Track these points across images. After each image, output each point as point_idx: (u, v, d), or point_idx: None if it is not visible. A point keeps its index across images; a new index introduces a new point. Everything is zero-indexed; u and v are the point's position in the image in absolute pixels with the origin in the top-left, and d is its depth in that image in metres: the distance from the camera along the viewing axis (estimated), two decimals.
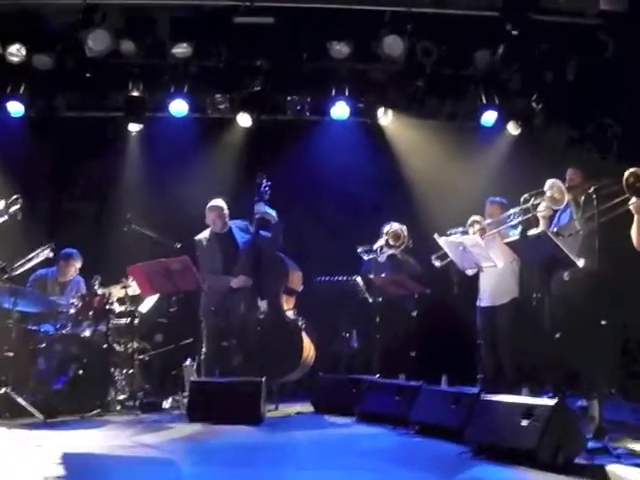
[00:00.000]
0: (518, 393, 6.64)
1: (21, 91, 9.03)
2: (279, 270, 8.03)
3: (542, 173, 6.92)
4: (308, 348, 7.96)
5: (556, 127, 9.00)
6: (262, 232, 8.09)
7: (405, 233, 8.51)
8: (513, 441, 5.08)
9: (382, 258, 8.45)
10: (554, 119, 9.05)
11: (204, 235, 8.27)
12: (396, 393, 6.79)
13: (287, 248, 8.29)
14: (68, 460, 5.25)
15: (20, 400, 6.72)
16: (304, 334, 7.97)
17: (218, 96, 9.46)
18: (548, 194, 6.54)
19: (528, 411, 5.06)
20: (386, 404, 6.82)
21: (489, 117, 9.27)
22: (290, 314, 8.03)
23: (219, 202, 8.28)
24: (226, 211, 8.25)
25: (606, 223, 5.86)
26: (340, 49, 8.61)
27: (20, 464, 5.08)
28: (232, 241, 8.20)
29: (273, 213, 8.06)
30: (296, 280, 8.14)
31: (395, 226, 8.53)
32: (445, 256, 7.44)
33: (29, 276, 8.20)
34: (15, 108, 9.07)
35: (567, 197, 6.52)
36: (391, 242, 8.47)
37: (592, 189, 6.07)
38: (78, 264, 8.53)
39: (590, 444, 5.23)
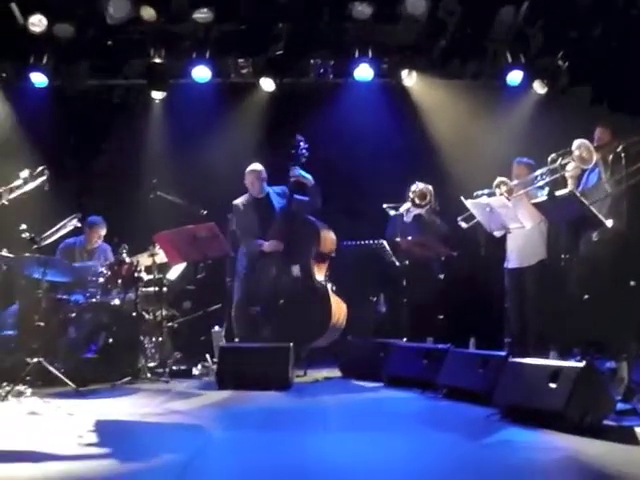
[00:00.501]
0: (546, 356, 6.65)
1: (44, 61, 9.05)
2: (309, 233, 8.01)
3: (569, 132, 6.81)
4: (338, 313, 7.92)
5: (583, 85, 8.85)
6: (299, 196, 8.13)
7: (432, 192, 8.46)
8: (541, 403, 5.06)
9: (408, 218, 8.40)
10: (581, 77, 8.89)
11: (242, 200, 8.31)
12: (424, 357, 6.79)
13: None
14: (100, 428, 5.33)
15: (52, 369, 6.79)
16: (337, 298, 7.97)
17: (240, 60, 9.40)
18: (576, 153, 6.44)
19: (556, 373, 5.03)
20: (414, 368, 6.82)
21: (515, 76, 9.11)
22: (321, 279, 8.03)
23: (257, 166, 8.32)
24: (263, 175, 8.27)
25: (635, 183, 5.78)
26: (362, 10, 8.50)
27: (53, 432, 5.15)
28: (269, 206, 8.22)
29: (308, 176, 8.06)
30: (329, 243, 8.08)
31: (421, 185, 8.48)
32: (471, 217, 7.38)
33: (57, 246, 8.29)
34: (38, 79, 9.10)
35: (595, 156, 6.42)
36: (417, 201, 8.42)
37: (620, 147, 5.99)
38: (103, 231, 8.62)
39: (619, 406, 5.21)
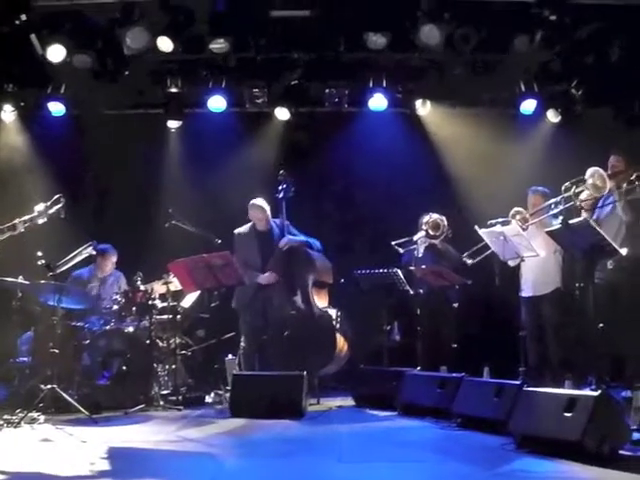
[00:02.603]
0: (561, 385, 6.59)
1: (62, 91, 9.18)
2: (305, 263, 8.07)
3: (584, 160, 6.79)
4: (342, 340, 7.97)
5: (597, 113, 8.85)
6: (295, 236, 8.22)
7: (445, 223, 8.46)
8: (557, 433, 5.03)
9: (421, 249, 8.39)
10: (595, 105, 8.89)
11: (244, 230, 8.33)
12: (438, 385, 6.78)
13: (327, 241, 8.34)
14: (113, 455, 5.33)
15: (65, 396, 6.80)
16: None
17: (256, 90, 9.47)
18: (590, 182, 6.41)
19: (571, 402, 5.00)
20: (428, 396, 6.81)
21: (528, 105, 9.13)
22: (324, 308, 8.03)
23: (261, 202, 8.33)
24: (268, 212, 8.31)
25: None
26: (377, 40, 8.55)
27: (65, 459, 5.15)
28: (271, 239, 8.26)
29: (298, 238, 8.19)
30: (325, 272, 8.16)
31: (434, 216, 8.48)
32: (477, 253, 7.37)
33: (68, 276, 8.29)
34: (56, 108, 9.22)
35: (609, 184, 6.40)
36: (431, 232, 8.42)
37: (634, 175, 5.98)
38: (114, 258, 8.69)
39: (635, 435, 5.16)
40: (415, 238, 8.28)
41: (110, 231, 9.05)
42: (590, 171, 6.36)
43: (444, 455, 5.39)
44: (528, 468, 4.86)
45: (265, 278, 8.08)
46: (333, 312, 8.05)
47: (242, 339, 8.10)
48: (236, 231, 8.33)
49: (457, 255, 8.37)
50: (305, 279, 8.03)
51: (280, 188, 8.09)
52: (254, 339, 8.00)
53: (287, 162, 9.28)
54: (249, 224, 8.37)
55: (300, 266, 8.04)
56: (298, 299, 8.00)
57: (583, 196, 6.61)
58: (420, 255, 8.32)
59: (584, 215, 6.67)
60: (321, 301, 8.10)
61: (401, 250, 8.23)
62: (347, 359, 8.06)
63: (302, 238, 8.23)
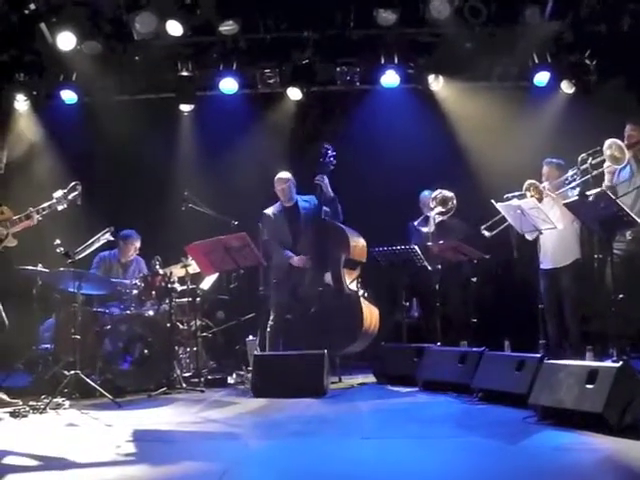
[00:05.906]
0: (582, 357, 6.59)
1: (73, 78, 9.21)
2: (339, 240, 8.00)
3: (599, 131, 6.75)
4: (370, 318, 7.89)
5: (611, 82, 8.75)
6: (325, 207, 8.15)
7: (453, 198, 8.40)
8: (578, 405, 5.02)
9: (431, 227, 8.37)
10: (609, 75, 8.79)
11: (272, 210, 8.32)
12: (459, 360, 6.79)
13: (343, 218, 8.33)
14: (137, 438, 5.37)
15: (89, 381, 6.86)
16: (369, 304, 7.94)
17: (267, 71, 9.45)
18: (608, 153, 6.37)
19: (593, 374, 4.99)
20: (449, 372, 6.82)
21: (542, 77, 9.06)
22: (352, 285, 8.00)
23: (286, 174, 8.32)
24: (293, 182, 8.29)
25: None
26: (387, 16, 8.52)
27: (91, 443, 5.20)
28: (299, 215, 8.25)
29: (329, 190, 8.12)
30: (359, 250, 8.06)
31: (445, 192, 8.43)
32: (495, 226, 7.33)
33: (92, 259, 8.38)
34: (68, 96, 9.26)
35: (628, 155, 6.35)
36: (441, 208, 8.37)
37: None
38: (137, 243, 8.71)
39: None
40: (432, 214, 8.25)
41: (127, 216, 9.08)
42: (608, 142, 6.32)
43: (466, 430, 5.41)
44: (550, 440, 4.87)
45: (298, 261, 8.02)
46: (360, 290, 8.00)
47: (271, 316, 8.11)
48: (265, 211, 8.29)
49: (466, 228, 8.34)
50: (338, 258, 7.94)
51: (322, 161, 8.04)
52: (281, 316, 8.00)
53: (300, 143, 9.31)
54: (277, 203, 8.35)
55: (333, 244, 7.97)
56: (327, 276, 7.94)
57: (606, 164, 6.56)
58: (432, 230, 8.29)
59: (607, 182, 6.64)
60: (350, 280, 7.97)
61: (425, 229, 8.23)
62: (373, 337, 8.02)
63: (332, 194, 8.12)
